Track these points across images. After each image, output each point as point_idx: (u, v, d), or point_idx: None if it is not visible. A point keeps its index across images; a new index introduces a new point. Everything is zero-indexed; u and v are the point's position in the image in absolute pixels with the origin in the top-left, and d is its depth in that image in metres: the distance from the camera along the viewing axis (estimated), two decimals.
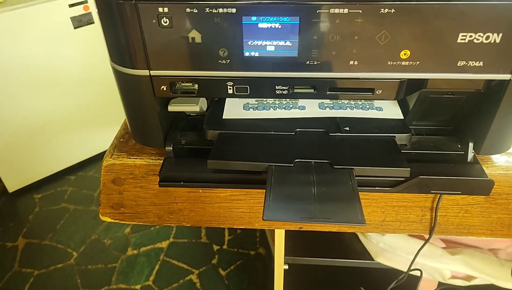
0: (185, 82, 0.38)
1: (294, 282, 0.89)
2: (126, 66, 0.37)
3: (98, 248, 1.46)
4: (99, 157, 1.87)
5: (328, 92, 0.37)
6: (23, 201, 1.68)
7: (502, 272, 0.65)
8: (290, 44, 0.34)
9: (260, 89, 0.37)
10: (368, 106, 0.45)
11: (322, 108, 0.45)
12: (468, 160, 0.41)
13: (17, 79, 1.47)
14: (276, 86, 0.37)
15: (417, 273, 0.56)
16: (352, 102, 0.46)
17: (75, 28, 1.51)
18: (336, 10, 0.32)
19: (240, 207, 0.47)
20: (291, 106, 0.46)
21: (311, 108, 0.45)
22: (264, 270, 1.35)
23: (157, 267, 1.38)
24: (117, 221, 0.49)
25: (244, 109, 0.46)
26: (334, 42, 0.34)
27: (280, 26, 0.33)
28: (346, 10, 0.32)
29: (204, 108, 0.45)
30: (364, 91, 0.37)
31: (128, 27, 0.34)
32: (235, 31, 0.34)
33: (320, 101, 0.46)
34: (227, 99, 0.47)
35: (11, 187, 1.68)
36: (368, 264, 0.71)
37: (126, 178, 0.46)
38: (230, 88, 0.37)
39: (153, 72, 0.37)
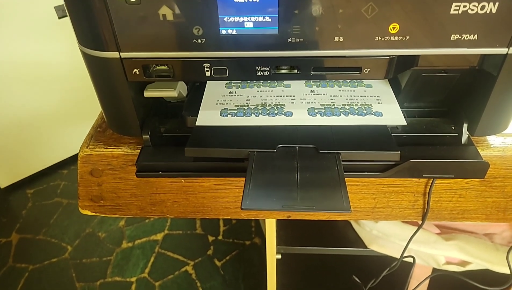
0: (160, 65, 0.35)
1: (288, 271, 0.88)
2: (94, 48, 0.34)
3: (92, 241, 1.44)
4: None
5: (312, 72, 0.35)
6: (15, 196, 1.65)
7: (498, 257, 0.64)
8: (270, 20, 0.32)
9: (239, 71, 0.35)
10: (365, 111, 0.40)
11: (312, 114, 0.40)
12: (462, 142, 0.39)
13: (3, 74, 1.43)
14: (257, 67, 0.34)
15: (411, 259, 0.54)
16: (346, 106, 0.40)
17: (59, 18, 1.47)
18: None
19: (225, 197, 0.45)
20: (276, 111, 0.40)
21: (299, 115, 0.40)
22: (260, 260, 1.34)
23: (152, 259, 1.37)
24: (97, 214, 0.47)
25: (221, 115, 0.40)
26: (317, 17, 0.31)
27: (258, 0, 0.31)
28: None
29: (184, 94, 0.43)
30: (350, 70, 0.35)
31: (92, 4, 0.31)
32: (209, 7, 0.31)
33: (310, 106, 0.41)
34: (205, 92, 0.44)
35: (3, 182, 1.65)
36: (361, 251, 0.70)
37: (104, 169, 0.44)
38: (207, 70, 0.35)
39: (123, 54, 0.34)
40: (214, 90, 0.43)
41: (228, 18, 0.32)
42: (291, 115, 0.39)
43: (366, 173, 0.37)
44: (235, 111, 0.40)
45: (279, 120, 0.39)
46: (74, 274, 1.34)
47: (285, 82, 0.44)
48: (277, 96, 0.42)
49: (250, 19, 0.32)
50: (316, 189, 0.30)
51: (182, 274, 1.32)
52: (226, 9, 0.31)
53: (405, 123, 0.38)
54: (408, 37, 0.32)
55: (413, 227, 0.65)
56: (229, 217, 0.46)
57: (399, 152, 0.34)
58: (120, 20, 0.32)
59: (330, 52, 0.33)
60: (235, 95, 0.42)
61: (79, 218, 1.54)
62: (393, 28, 0.32)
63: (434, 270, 0.68)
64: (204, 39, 0.33)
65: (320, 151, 0.34)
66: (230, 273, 1.31)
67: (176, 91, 0.39)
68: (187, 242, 1.43)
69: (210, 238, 1.43)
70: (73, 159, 1.81)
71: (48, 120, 1.64)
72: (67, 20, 1.49)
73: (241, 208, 0.28)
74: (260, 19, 0.32)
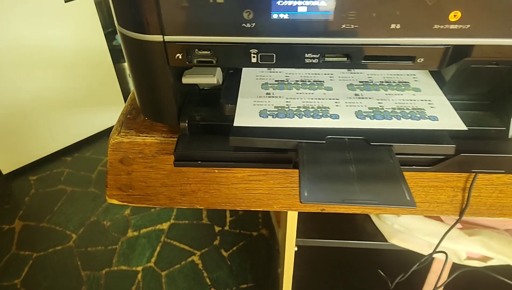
0: (203, 50, 0.34)
1: (303, 264, 0.87)
2: (136, 30, 0.32)
3: (97, 230, 1.43)
4: (96, 137, 1.83)
5: (362, 61, 0.33)
6: (18, 183, 1.63)
7: None
8: (326, 4, 0.30)
9: (287, 58, 0.33)
10: (418, 115, 0.36)
11: (360, 118, 0.36)
12: (510, 136, 0.38)
13: (6, 59, 1.40)
14: (306, 54, 0.33)
15: (440, 255, 0.53)
16: (397, 110, 0.37)
17: (66, 1, 1.44)
18: None
19: (258, 188, 0.44)
20: (320, 113, 0.37)
21: (346, 117, 0.36)
22: (267, 251, 1.33)
23: (158, 248, 1.36)
24: (124, 203, 0.46)
25: (261, 116, 0.37)
26: (376, 2, 0.30)
27: None
28: None
29: (221, 81, 0.41)
30: (403, 59, 0.33)
31: None
32: None
33: (357, 109, 0.38)
34: (242, 80, 0.42)
35: (5, 168, 1.63)
36: (382, 245, 0.69)
37: (135, 158, 0.42)
38: (254, 56, 0.33)
39: (167, 38, 0.32)
40: (251, 83, 0.42)
41: (281, 1, 0.30)
42: (338, 118, 0.36)
43: (414, 167, 0.36)
44: (275, 112, 0.37)
45: (325, 123, 0.36)
46: (79, 262, 1.33)
47: (326, 84, 0.41)
48: (319, 98, 0.39)
49: (304, 3, 0.30)
50: (375, 182, 0.29)
51: (188, 264, 1.31)
52: None
53: (465, 128, 0.35)
54: (468, 26, 0.31)
55: (435, 222, 0.64)
56: (260, 209, 0.45)
57: (454, 145, 0.33)
58: (167, 2, 0.30)
59: (384, 40, 0.32)
60: (273, 96, 0.39)
61: (83, 206, 1.52)
62: (454, 15, 0.30)
63: (454, 265, 0.68)
64: (254, 23, 0.31)
65: (372, 143, 0.33)
66: (237, 263, 1.30)
67: (215, 78, 0.38)
68: (193, 232, 1.42)
69: (217, 228, 1.42)
70: (77, 146, 1.79)
71: (52, 106, 1.61)
72: (73, 4, 1.46)
73: (300, 201, 0.27)
74: (315, 3, 0.30)
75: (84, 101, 1.71)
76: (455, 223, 0.46)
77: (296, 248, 0.74)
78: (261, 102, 0.38)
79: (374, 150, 0.32)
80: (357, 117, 0.36)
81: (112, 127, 0.43)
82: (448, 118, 0.36)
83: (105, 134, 1.82)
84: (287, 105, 0.38)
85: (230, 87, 0.40)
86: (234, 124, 0.35)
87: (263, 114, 0.37)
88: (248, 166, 0.38)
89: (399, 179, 0.29)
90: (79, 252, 1.36)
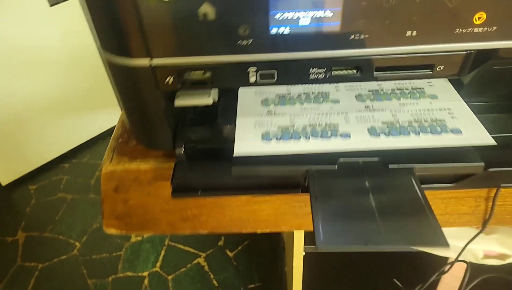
0: (195, 71, 0.30)
1: (311, 269, 0.85)
2: (120, 54, 0.29)
3: (100, 237, 1.41)
4: (92, 142, 1.79)
5: (375, 73, 0.30)
6: (18, 193, 1.61)
7: None
8: (331, 14, 0.27)
9: (290, 74, 0.30)
10: (439, 128, 0.32)
11: (374, 135, 0.32)
12: None
13: None
14: (311, 69, 0.30)
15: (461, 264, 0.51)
16: (414, 123, 0.33)
17: (51, 5, 1.38)
18: None
19: (264, 209, 0.40)
20: (329, 133, 0.33)
21: (359, 135, 0.32)
22: (272, 249, 1.31)
23: (163, 252, 1.34)
24: (123, 232, 0.43)
25: (264, 140, 0.33)
26: (389, 8, 0.26)
27: None
28: None
29: (217, 98, 0.38)
30: (421, 68, 0.30)
31: (119, 4, 0.26)
32: (259, 2, 0.26)
33: (369, 124, 0.34)
34: (239, 98, 0.38)
35: (4, 179, 1.60)
36: (395, 248, 0.66)
37: (131, 185, 0.39)
38: (252, 75, 0.30)
39: (155, 61, 0.29)
40: (250, 99, 0.37)
41: (280, 14, 0.27)
42: (349, 137, 0.32)
43: (435, 185, 0.33)
44: (279, 135, 0.33)
45: (335, 144, 0.32)
46: (85, 270, 1.31)
47: (332, 96, 0.37)
48: (327, 113, 0.35)
49: (307, 14, 0.27)
50: (399, 217, 0.26)
51: (194, 266, 1.30)
52: (278, 4, 0.26)
53: (493, 143, 0.31)
54: (494, 28, 0.27)
55: None
56: (268, 231, 0.42)
57: (483, 164, 0.29)
58: (152, 21, 0.27)
59: (399, 49, 0.28)
60: (275, 115, 0.35)
61: (84, 213, 1.50)
62: (479, 18, 0.27)
63: (470, 264, 0.65)
64: (251, 40, 0.28)
65: (390, 167, 0.29)
66: (242, 263, 1.29)
67: (211, 97, 0.34)
68: (196, 234, 1.40)
69: None
70: (74, 152, 1.76)
71: (46, 112, 1.58)
72: (59, 7, 1.41)
73: (317, 247, 0.24)
74: (320, 14, 0.27)
75: (78, 105, 1.67)
76: (478, 234, 0.43)
77: (304, 253, 0.71)
78: (262, 122, 0.34)
79: (394, 173, 0.29)
80: (371, 135, 0.32)
81: (108, 130, 0.39)
82: (472, 130, 0.32)
83: (100, 137, 1.79)
84: (292, 124, 0.34)
85: (228, 105, 0.37)
86: (235, 153, 0.31)
87: (266, 137, 0.33)
88: (253, 193, 0.35)
89: (426, 212, 0.26)
90: (84, 261, 1.34)
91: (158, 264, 1.31)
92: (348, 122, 0.34)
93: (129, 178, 0.39)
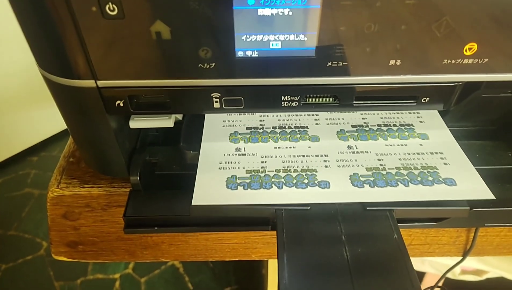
0: (151, 95, 0.26)
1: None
2: (61, 75, 0.24)
3: None
4: (63, 134, 1.71)
5: (354, 102, 0.27)
6: None
7: None
8: (305, 39, 0.23)
9: (259, 101, 0.26)
10: (431, 178, 0.29)
11: (357, 185, 0.28)
12: None
13: None
14: (283, 97, 0.26)
15: (434, 270, 0.49)
16: (403, 170, 0.30)
17: None
18: None
19: (232, 238, 0.37)
20: (305, 181, 0.29)
21: (339, 186, 0.28)
22: None
23: None
24: (76, 260, 0.39)
25: (228, 187, 0.28)
26: (370, 34, 0.23)
27: (291, 13, 0.22)
28: None
29: (180, 117, 0.34)
30: (404, 99, 0.27)
31: (54, 18, 0.21)
32: (222, 22, 0.22)
33: (352, 171, 0.30)
34: (205, 126, 0.33)
35: None
36: None
37: (82, 212, 0.35)
38: (216, 101, 0.26)
39: (101, 83, 0.25)
40: (216, 127, 0.33)
41: (247, 36, 0.23)
42: (328, 187, 0.28)
43: (416, 224, 0.30)
44: (247, 181, 0.29)
45: (312, 195, 0.28)
46: (51, 272, 1.26)
47: (311, 132, 0.33)
48: (304, 155, 0.31)
49: (278, 37, 0.23)
50: (374, 273, 0.23)
51: (169, 268, 1.26)
52: (245, 25, 0.22)
53: (492, 197, 0.27)
54: (486, 60, 0.24)
55: None
56: (236, 259, 0.39)
57: (468, 208, 0.27)
58: (95, 40, 0.22)
59: (382, 78, 0.25)
60: (244, 154, 0.31)
61: None
62: (469, 48, 0.24)
63: (447, 279, 0.64)
64: (213, 64, 0.24)
65: (368, 208, 0.26)
66: (219, 266, 1.26)
67: (171, 119, 0.30)
68: None
69: None
70: (43, 144, 1.67)
71: (14, 103, 1.49)
72: None
73: None
74: (292, 37, 0.23)
75: (49, 95, 1.58)
76: (458, 263, 0.41)
77: None
78: (229, 163, 0.30)
79: (371, 217, 0.26)
80: (353, 185, 0.28)
81: None
82: (468, 180, 0.29)
83: None
84: (263, 168, 0.30)
85: (192, 127, 0.33)
86: (193, 202, 0.27)
87: (231, 184, 0.28)
88: (216, 230, 0.32)
89: (406, 268, 0.23)
90: (51, 262, 1.29)
91: (131, 265, 1.27)
92: (328, 166, 0.30)
93: (79, 204, 0.34)
